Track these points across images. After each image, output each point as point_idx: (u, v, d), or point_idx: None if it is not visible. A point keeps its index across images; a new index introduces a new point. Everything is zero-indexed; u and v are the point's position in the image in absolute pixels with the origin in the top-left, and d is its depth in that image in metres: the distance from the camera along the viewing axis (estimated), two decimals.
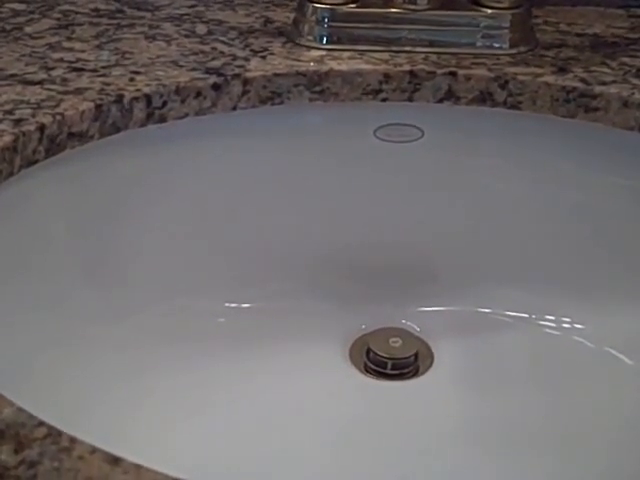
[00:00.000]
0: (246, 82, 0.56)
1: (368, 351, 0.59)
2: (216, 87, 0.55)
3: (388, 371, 0.59)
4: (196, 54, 0.58)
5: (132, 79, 0.55)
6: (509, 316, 0.62)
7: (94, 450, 0.32)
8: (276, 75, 0.56)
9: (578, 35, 0.63)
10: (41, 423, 0.33)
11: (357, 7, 0.60)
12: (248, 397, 0.56)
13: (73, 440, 0.32)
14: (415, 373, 0.59)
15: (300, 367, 0.59)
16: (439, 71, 0.57)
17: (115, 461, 0.31)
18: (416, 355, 0.59)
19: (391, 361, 0.59)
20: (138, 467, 0.31)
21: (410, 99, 0.57)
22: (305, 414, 0.56)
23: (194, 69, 0.56)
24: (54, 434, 0.33)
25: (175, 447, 0.51)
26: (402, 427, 0.56)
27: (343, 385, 0.58)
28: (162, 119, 0.54)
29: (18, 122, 0.50)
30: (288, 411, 0.56)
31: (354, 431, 0.55)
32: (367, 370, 0.59)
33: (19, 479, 0.31)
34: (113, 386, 0.53)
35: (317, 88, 0.57)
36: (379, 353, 0.59)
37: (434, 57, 0.59)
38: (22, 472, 0.31)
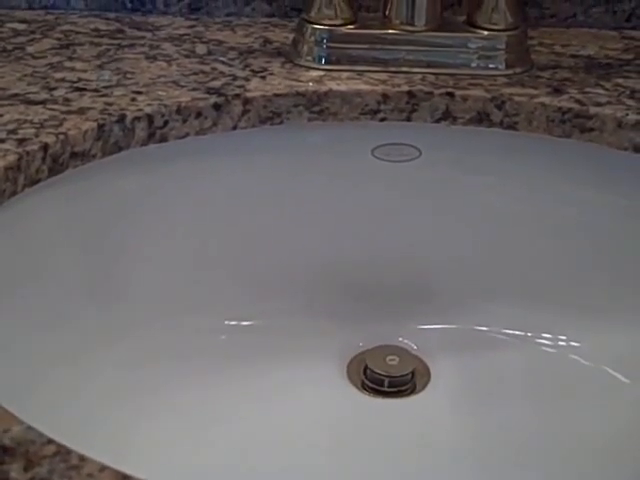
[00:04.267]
0: (246, 102, 0.56)
1: (365, 369, 0.60)
2: (217, 107, 0.56)
3: (385, 389, 0.59)
4: (196, 74, 0.59)
5: (134, 99, 0.55)
6: (505, 334, 0.62)
7: (103, 468, 0.32)
8: (276, 95, 0.57)
9: (573, 56, 0.64)
10: (50, 441, 0.33)
11: (355, 28, 0.61)
12: (247, 413, 0.56)
13: (82, 458, 0.32)
14: (412, 391, 0.59)
15: (298, 384, 0.59)
16: (436, 91, 0.58)
17: (124, 479, 0.32)
18: (413, 373, 0.60)
19: (388, 379, 0.59)
20: None
21: (408, 119, 0.58)
22: (303, 431, 0.56)
23: (195, 89, 0.57)
24: (63, 452, 0.33)
25: (177, 463, 0.51)
26: (399, 444, 0.56)
27: (340, 402, 0.59)
28: (163, 139, 0.55)
29: (21, 142, 0.50)
30: (286, 428, 0.56)
31: (351, 448, 0.55)
32: (364, 388, 0.59)
33: None
34: (114, 404, 0.53)
35: (316, 108, 0.58)
36: (376, 371, 0.59)
37: (432, 78, 0.59)
38: None
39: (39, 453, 0.33)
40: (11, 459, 0.33)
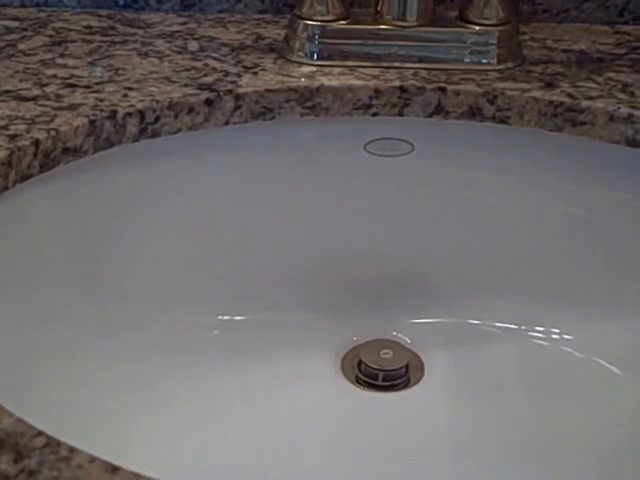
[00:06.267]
0: (238, 98, 0.56)
1: (359, 363, 0.60)
2: (209, 103, 0.56)
3: (379, 383, 0.59)
4: (188, 70, 0.59)
5: (125, 95, 0.55)
6: (499, 327, 0.63)
7: (93, 459, 0.32)
8: (268, 91, 0.57)
9: (564, 51, 0.64)
10: (40, 433, 0.33)
11: (347, 24, 0.61)
12: (241, 408, 0.57)
13: (72, 449, 0.32)
14: (406, 384, 0.59)
15: (292, 379, 0.59)
16: (428, 86, 0.58)
17: (114, 470, 0.32)
18: (407, 367, 0.60)
19: (382, 373, 0.59)
20: (137, 476, 0.32)
21: (400, 114, 0.58)
22: (297, 426, 0.56)
23: (186, 85, 0.57)
24: (53, 443, 0.33)
25: (171, 457, 0.51)
26: (393, 438, 0.56)
27: (335, 396, 0.59)
28: (155, 134, 0.55)
29: (13, 137, 0.50)
30: (280, 423, 0.56)
31: (346, 442, 0.56)
32: (358, 382, 0.59)
33: None
34: (110, 398, 0.53)
35: (308, 103, 0.58)
36: (370, 365, 0.59)
37: (424, 73, 0.60)
38: None
39: (29, 445, 0.33)
40: (1, 451, 0.33)
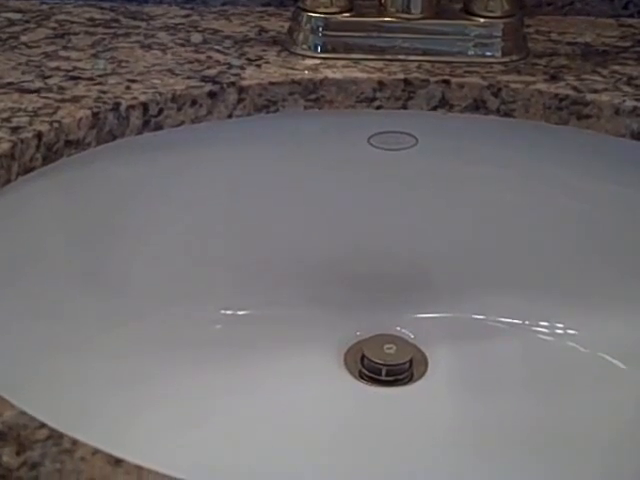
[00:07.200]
0: (241, 90, 0.56)
1: (363, 358, 0.60)
2: (212, 95, 0.56)
3: (383, 377, 0.59)
4: (191, 63, 0.59)
5: (128, 87, 0.55)
6: (503, 322, 0.62)
7: (96, 451, 0.32)
8: (271, 83, 0.57)
9: (569, 44, 0.64)
10: (42, 425, 0.33)
11: (351, 16, 0.61)
12: (244, 402, 0.56)
13: (75, 442, 0.32)
14: (409, 379, 0.59)
15: (295, 374, 0.59)
16: (432, 79, 0.58)
17: (117, 462, 0.32)
18: (410, 361, 0.59)
19: (385, 367, 0.59)
20: (140, 468, 0.31)
21: (404, 107, 0.58)
22: (300, 420, 0.56)
23: (190, 77, 0.57)
24: (55, 436, 0.33)
25: (174, 451, 0.51)
26: (397, 433, 0.56)
27: (338, 391, 0.59)
28: (158, 127, 0.55)
29: (15, 130, 0.50)
30: (284, 417, 0.56)
31: (349, 437, 0.55)
32: (362, 376, 0.59)
33: None
34: (111, 393, 0.53)
35: (312, 96, 0.57)
36: (374, 360, 0.59)
37: (428, 65, 0.59)
38: (24, 473, 0.31)
39: (31, 437, 0.33)
40: (3, 443, 0.32)
